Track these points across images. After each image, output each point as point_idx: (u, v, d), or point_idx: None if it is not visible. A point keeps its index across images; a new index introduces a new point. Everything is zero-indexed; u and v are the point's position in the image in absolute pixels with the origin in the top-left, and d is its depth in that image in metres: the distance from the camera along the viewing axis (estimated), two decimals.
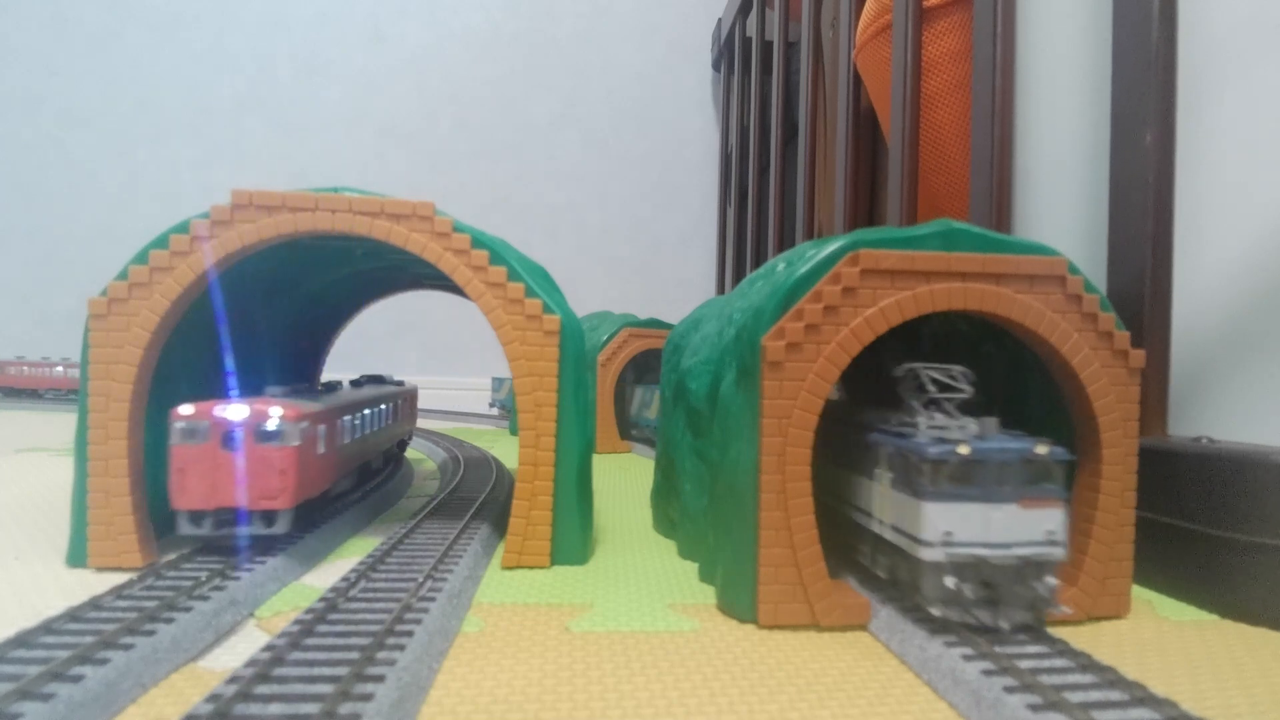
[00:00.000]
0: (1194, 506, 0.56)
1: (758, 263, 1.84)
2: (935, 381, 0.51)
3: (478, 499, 0.82)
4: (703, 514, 0.63)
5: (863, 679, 0.42)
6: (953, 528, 0.44)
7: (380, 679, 0.37)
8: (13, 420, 1.65)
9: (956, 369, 0.50)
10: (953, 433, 0.47)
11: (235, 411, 0.59)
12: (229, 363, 0.80)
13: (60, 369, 2.08)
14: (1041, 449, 0.45)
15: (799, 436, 0.49)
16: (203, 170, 2.24)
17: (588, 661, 0.43)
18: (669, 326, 1.46)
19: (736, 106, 2.09)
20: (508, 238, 0.71)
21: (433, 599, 0.48)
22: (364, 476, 0.91)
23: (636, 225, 2.41)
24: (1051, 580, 0.45)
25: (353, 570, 0.54)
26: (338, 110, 2.29)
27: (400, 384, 1.08)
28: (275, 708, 0.34)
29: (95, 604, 0.45)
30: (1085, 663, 0.41)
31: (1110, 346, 0.52)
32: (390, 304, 1.14)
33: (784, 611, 0.49)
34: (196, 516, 0.59)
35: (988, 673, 0.39)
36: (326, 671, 0.37)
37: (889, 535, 0.50)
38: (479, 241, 0.63)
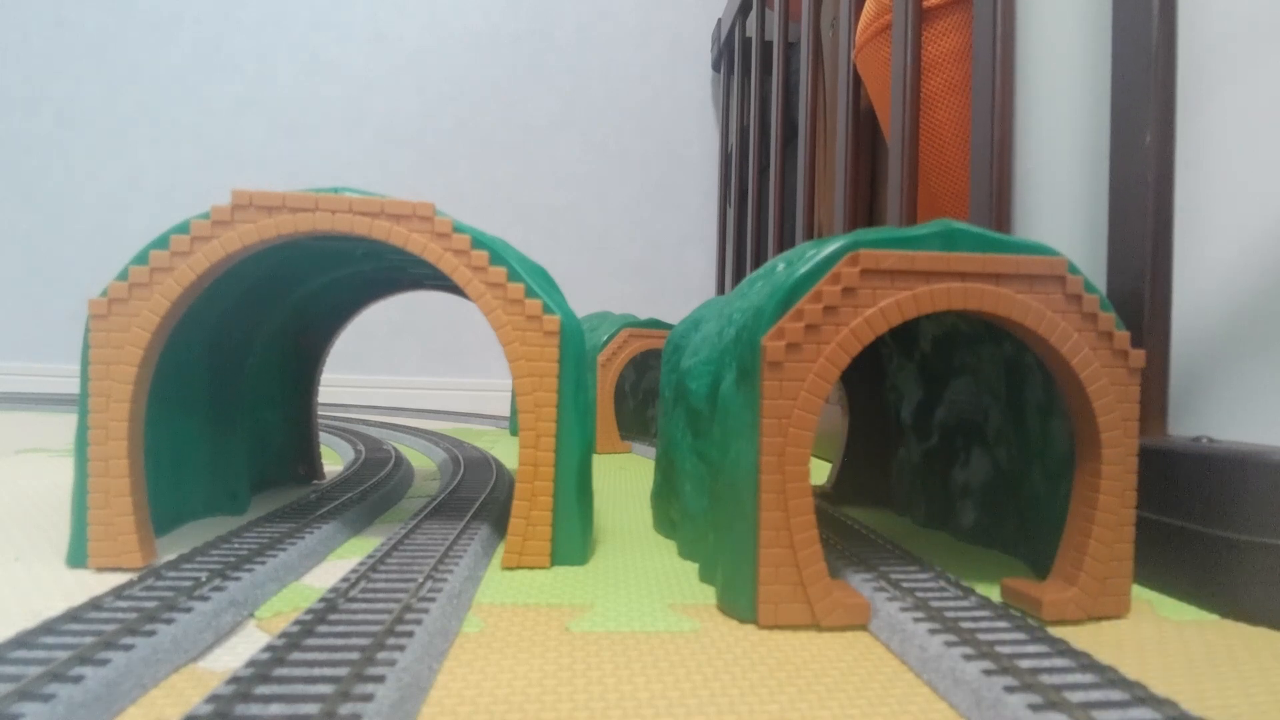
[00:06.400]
0: (1194, 506, 0.56)
1: (758, 263, 1.84)
2: None
3: (478, 499, 0.82)
4: (703, 514, 0.63)
5: (863, 679, 0.42)
6: None
7: (380, 679, 0.37)
8: (13, 420, 1.65)
9: None
10: None
11: None
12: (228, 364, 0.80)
13: None
14: None
15: (799, 436, 0.49)
16: (203, 170, 2.24)
17: (588, 662, 0.43)
18: (669, 326, 1.47)
19: (736, 107, 2.09)
20: (508, 238, 0.71)
21: (433, 599, 0.48)
22: None
23: (636, 225, 2.41)
24: None
25: (353, 570, 0.54)
26: (338, 110, 2.30)
27: None
28: (275, 708, 0.34)
29: (95, 604, 0.45)
30: (1086, 662, 0.41)
31: (1110, 346, 0.52)
32: (390, 304, 1.14)
33: (784, 611, 0.49)
34: None
35: (988, 672, 0.39)
36: (327, 672, 0.37)
37: None
38: (479, 242, 0.63)
